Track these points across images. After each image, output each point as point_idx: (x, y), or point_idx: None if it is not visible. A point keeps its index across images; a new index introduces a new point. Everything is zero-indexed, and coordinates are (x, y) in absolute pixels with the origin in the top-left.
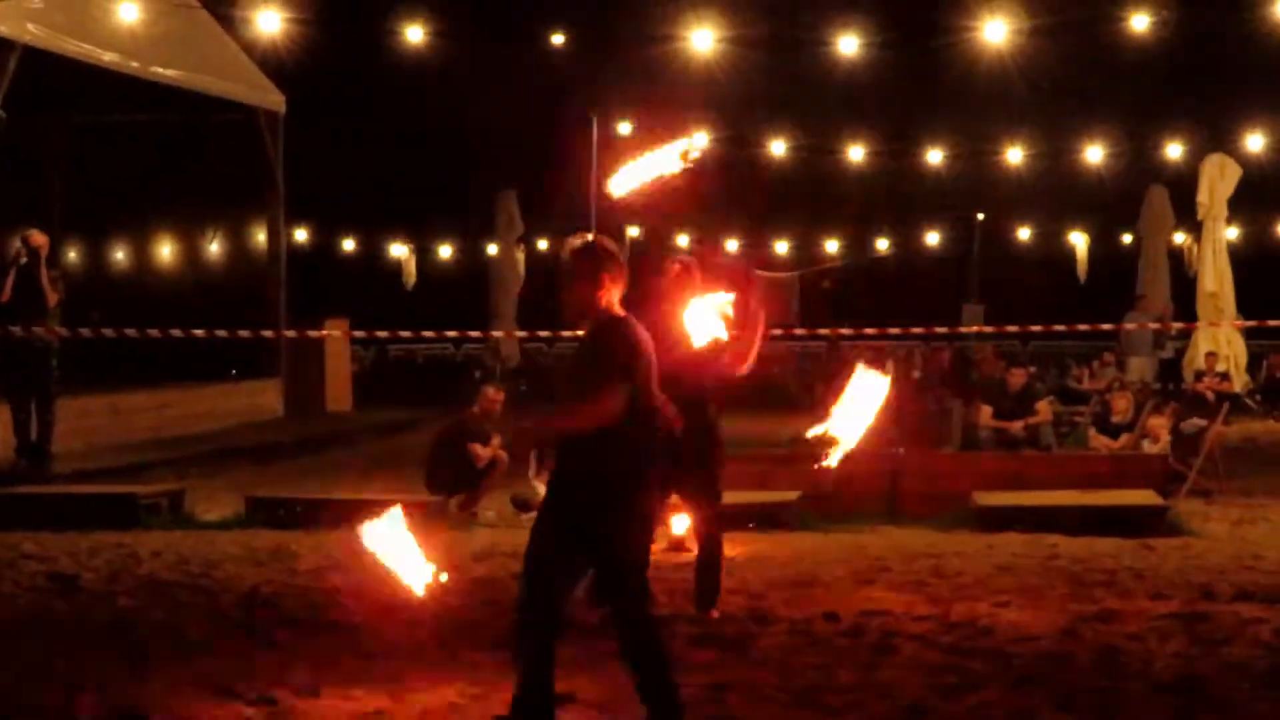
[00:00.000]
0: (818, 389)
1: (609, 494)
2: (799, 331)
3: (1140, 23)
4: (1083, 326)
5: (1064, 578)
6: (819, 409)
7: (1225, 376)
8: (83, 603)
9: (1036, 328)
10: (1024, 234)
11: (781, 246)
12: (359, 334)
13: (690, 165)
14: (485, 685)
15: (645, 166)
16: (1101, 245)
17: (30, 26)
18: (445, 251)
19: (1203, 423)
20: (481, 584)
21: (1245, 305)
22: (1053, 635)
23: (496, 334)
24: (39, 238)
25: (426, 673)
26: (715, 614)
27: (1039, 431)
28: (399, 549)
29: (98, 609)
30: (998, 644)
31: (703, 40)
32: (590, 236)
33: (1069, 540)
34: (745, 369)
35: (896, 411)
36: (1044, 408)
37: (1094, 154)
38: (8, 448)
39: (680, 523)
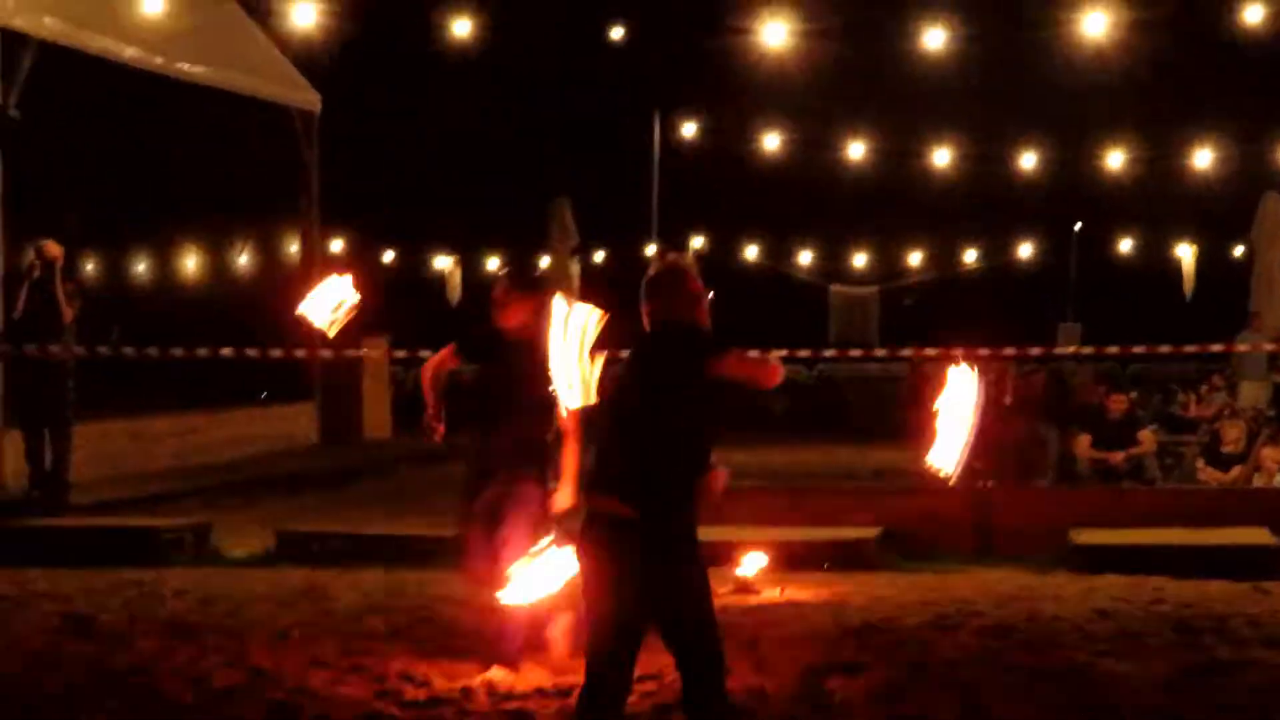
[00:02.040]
0: (899, 416)
1: (690, 533)
2: (879, 352)
3: (1254, 14)
4: (1190, 348)
5: (1170, 624)
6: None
7: None
8: (99, 646)
9: (1139, 349)
10: (1125, 246)
11: (859, 259)
12: (400, 354)
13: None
14: None
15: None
16: (1211, 258)
17: (47, 20)
18: (493, 264)
19: None
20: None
21: None
22: (1157, 688)
23: None
24: (54, 249)
25: None
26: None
27: (1142, 463)
28: None
29: (115, 653)
30: (1097, 698)
31: (775, 34)
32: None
33: (1175, 583)
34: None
35: (986, 441)
36: (1147, 437)
37: (1203, 158)
38: (21, 477)
39: (751, 563)
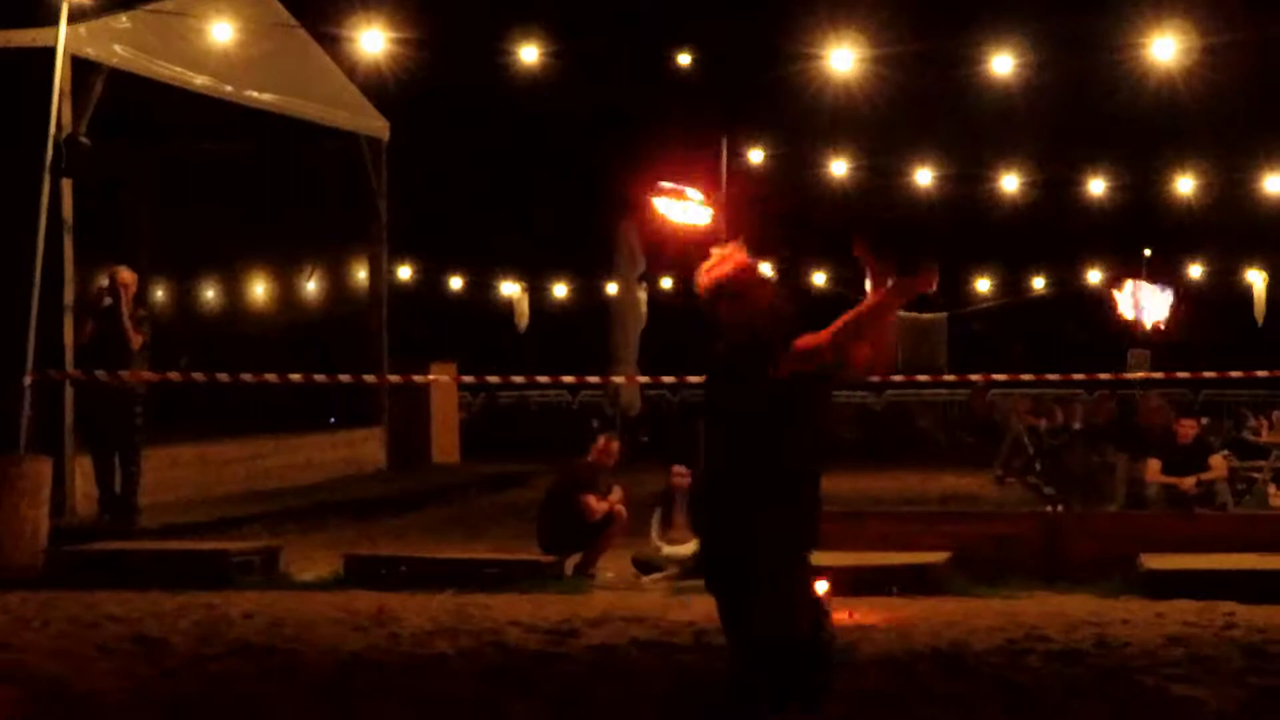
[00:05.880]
0: (967, 441)
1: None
2: (947, 378)
3: None
4: (1261, 373)
5: (1241, 650)
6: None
7: None
8: (169, 668)
9: (1210, 374)
10: (1195, 272)
11: None
12: (467, 379)
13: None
14: None
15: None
16: None
17: (117, 48)
18: (560, 290)
19: None
20: (598, 651)
21: None
22: (1231, 713)
23: (617, 379)
24: (127, 276)
25: None
26: None
27: (1212, 488)
28: None
29: (186, 675)
30: None
31: (842, 59)
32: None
33: (1247, 609)
34: None
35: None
36: (1218, 462)
37: (1274, 183)
38: (91, 501)
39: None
